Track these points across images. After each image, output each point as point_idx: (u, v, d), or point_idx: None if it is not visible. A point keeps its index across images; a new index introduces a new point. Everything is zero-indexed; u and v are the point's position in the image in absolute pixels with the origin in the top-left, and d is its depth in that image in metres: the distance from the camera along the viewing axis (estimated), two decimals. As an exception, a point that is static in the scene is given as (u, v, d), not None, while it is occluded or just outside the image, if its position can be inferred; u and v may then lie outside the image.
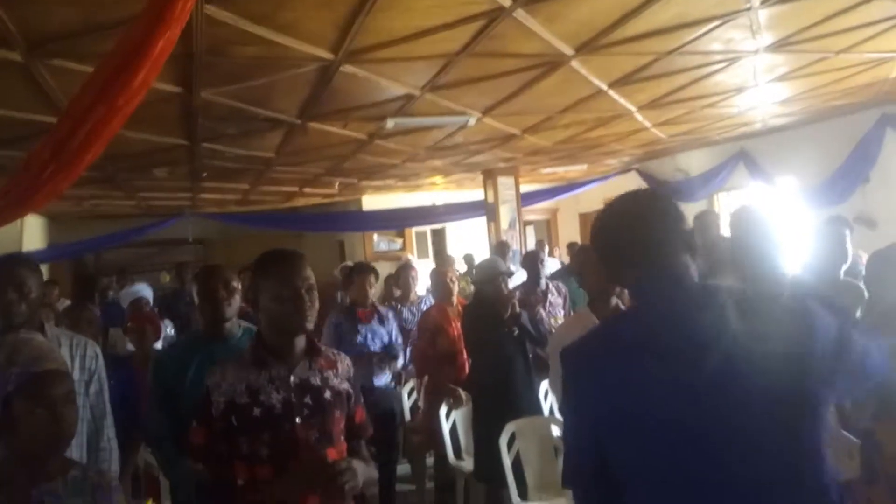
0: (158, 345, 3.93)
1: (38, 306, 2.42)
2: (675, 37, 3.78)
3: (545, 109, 5.36)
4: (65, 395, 1.63)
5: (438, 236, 11.30)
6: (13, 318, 2.29)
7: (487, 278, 3.95)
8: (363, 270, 4.54)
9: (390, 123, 5.08)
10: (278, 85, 3.94)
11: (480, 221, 9.31)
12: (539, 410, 4.09)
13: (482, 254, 7.47)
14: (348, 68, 3.70)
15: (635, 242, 1.34)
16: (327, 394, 1.89)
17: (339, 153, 6.39)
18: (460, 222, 10.46)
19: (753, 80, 5.08)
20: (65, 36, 2.87)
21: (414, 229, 10.99)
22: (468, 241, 10.21)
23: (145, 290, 4.41)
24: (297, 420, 1.81)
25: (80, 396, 2.41)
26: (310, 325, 1.87)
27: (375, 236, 10.85)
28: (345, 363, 2.02)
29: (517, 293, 4.21)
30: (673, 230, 1.33)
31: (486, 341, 3.89)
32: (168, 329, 4.66)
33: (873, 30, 4.01)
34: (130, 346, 4.00)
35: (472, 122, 5.36)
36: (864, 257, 4.49)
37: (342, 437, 1.92)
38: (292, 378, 1.85)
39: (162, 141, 5.07)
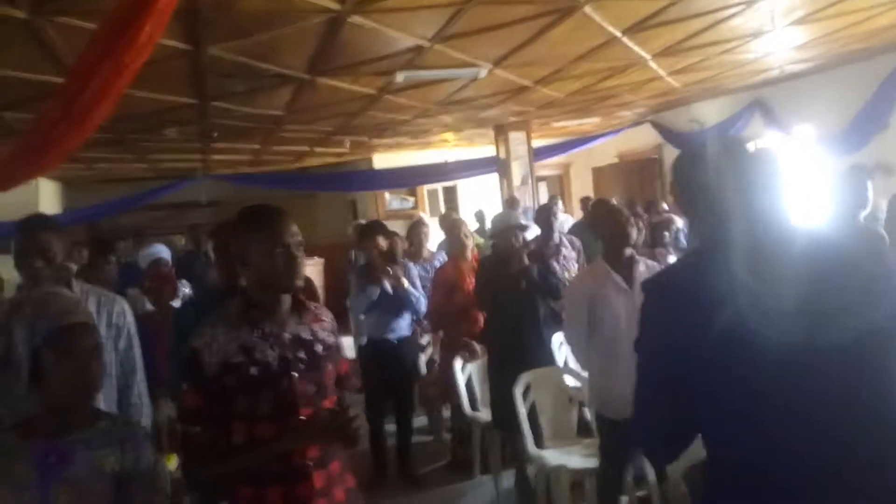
0: (177, 304, 3.97)
1: (64, 266, 2.44)
2: (690, -22, 3.67)
3: (557, 59, 5.26)
4: (92, 348, 1.67)
5: (450, 194, 11.25)
6: (39, 280, 2.32)
7: (499, 231, 3.94)
8: (369, 231, 4.60)
9: (400, 77, 5.01)
10: (285, 39, 3.88)
11: (492, 178, 9.24)
12: (552, 362, 4.12)
13: (495, 210, 7.41)
14: (356, 19, 3.64)
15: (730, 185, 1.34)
16: (318, 347, 1.89)
17: (349, 110, 6.33)
18: (472, 179, 10.40)
19: (771, 24, 4.93)
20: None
21: (426, 187, 10.95)
22: (480, 198, 10.17)
23: (163, 251, 4.43)
24: (295, 375, 1.80)
25: (108, 353, 2.46)
26: (298, 282, 1.85)
27: (387, 195, 10.83)
28: (329, 316, 2.02)
29: (530, 246, 4.20)
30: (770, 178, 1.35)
31: (496, 295, 3.89)
32: (185, 289, 4.70)
33: (897, -33, 3.87)
34: (149, 306, 4.05)
35: (482, 74, 5.27)
36: (884, 204, 4.44)
37: (333, 389, 1.93)
38: (286, 334, 1.84)
39: (170, 100, 5.03)
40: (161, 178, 9.73)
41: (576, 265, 5.38)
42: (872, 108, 6.80)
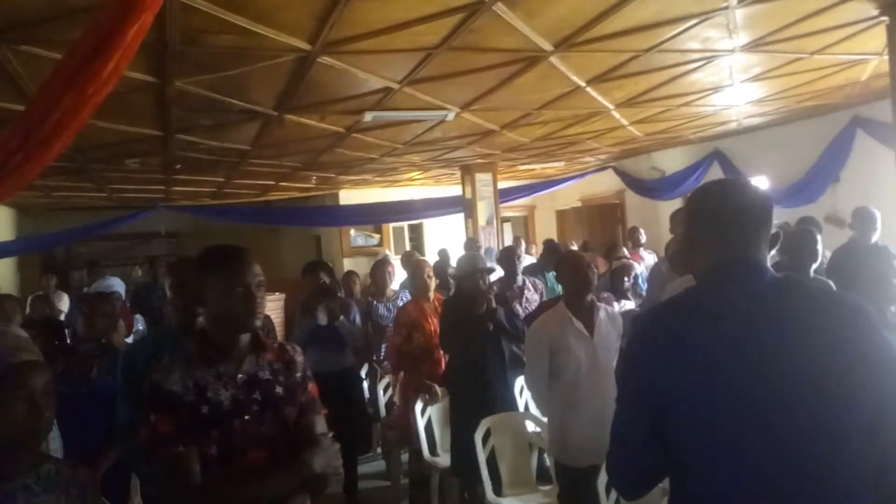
0: (130, 340, 3.86)
1: (9, 297, 2.35)
2: (653, 34, 3.80)
3: (523, 105, 5.36)
4: (43, 386, 1.61)
5: (416, 232, 11.28)
6: None
7: (466, 274, 3.93)
8: (310, 269, 4.87)
9: (368, 117, 5.04)
10: (254, 75, 3.88)
11: (458, 218, 9.30)
12: (514, 406, 4.09)
13: (459, 250, 7.46)
14: (326, 59, 3.66)
15: (729, 228, 1.41)
16: (278, 388, 1.84)
17: (317, 147, 6.33)
18: (438, 218, 10.45)
19: (729, 80, 5.13)
20: (33, 21, 2.79)
21: (391, 225, 10.95)
22: (446, 237, 10.20)
23: (118, 285, 4.33)
24: (247, 417, 1.76)
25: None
26: (258, 322, 1.82)
27: (352, 231, 10.79)
28: (300, 355, 1.98)
29: (494, 289, 4.21)
30: (762, 223, 1.42)
31: (462, 337, 3.87)
32: (139, 325, 4.57)
33: (846, 31, 4.07)
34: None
35: (450, 116, 5.34)
36: (828, 254, 4.59)
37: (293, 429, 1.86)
38: (240, 375, 1.80)
39: (134, 131, 4.97)
40: (120, 207, 9.55)
41: (533, 307, 5.40)
42: (825, 163, 7.07)
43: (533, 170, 9.96)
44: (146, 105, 4.31)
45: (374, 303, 5.50)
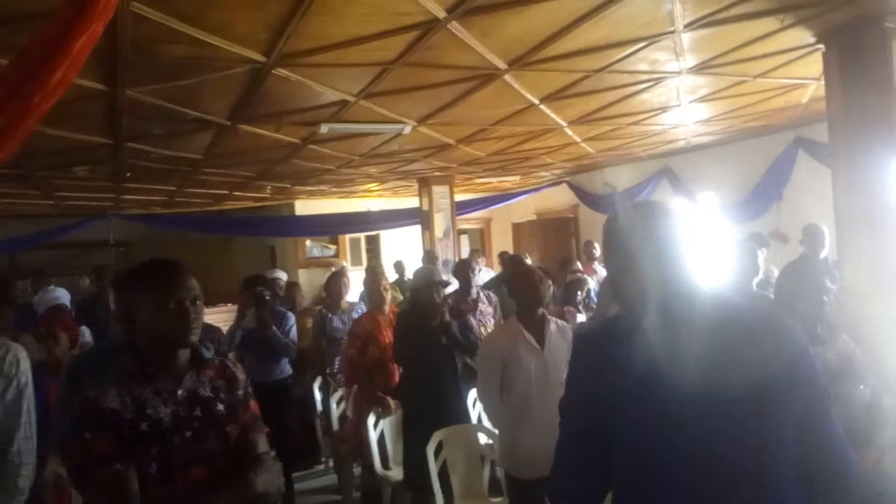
0: (75, 352, 3.76)
1: None
2: (603, 56, 3.91)
3: (479, 121, 5.44)
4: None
5: (373, 243, 11.25)
6: None
7: (422, 286, 3.96)
8: (249, 283, 5.07)
9: (324, 129, 5.04)
10: (208, 85, 3.85)
11: (415, 229, 9.33)
12: (467, 419, 4.12)
13: (416, 262, 7.49)
14: (281, 72, 3.66)
15: (648, 252, 1.45)
16: (219, 406, 1.82)
17: (272, 157, 6.29)
18: (395, 230, 10.46)
19: (677, 100, 5.30)
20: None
21: (348, 236, 10.91)
22: (402, 249, 10.22)
23: (63, 296, 4.21)
24: (187, 434, 1.73)
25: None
26: (194, 337, 1.79)
27: (308, 242, 10.70)
28: (242, 373, 1.96)
29: (448, 301, 4.24)
30: (678, 241, 1.47)
31: (416, 349, 3.89)
32: (86, 336, 4.45)
33: (787, 57, 4.26)
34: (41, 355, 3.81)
35: (406, 130, 5.37)
36: (776, 271, 4.76)
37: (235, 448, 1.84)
38: (180, 391, 1.77)
39: (83, 139, 4.86)
40: (67, 215, 9.28)
41: (492, 320, 5.46)
42: (769, 181, 7.35)
43: (489, 183, 10.06)
44: (96, 113, 4.23)
45: (329, 315, 5.47)
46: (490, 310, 5.56)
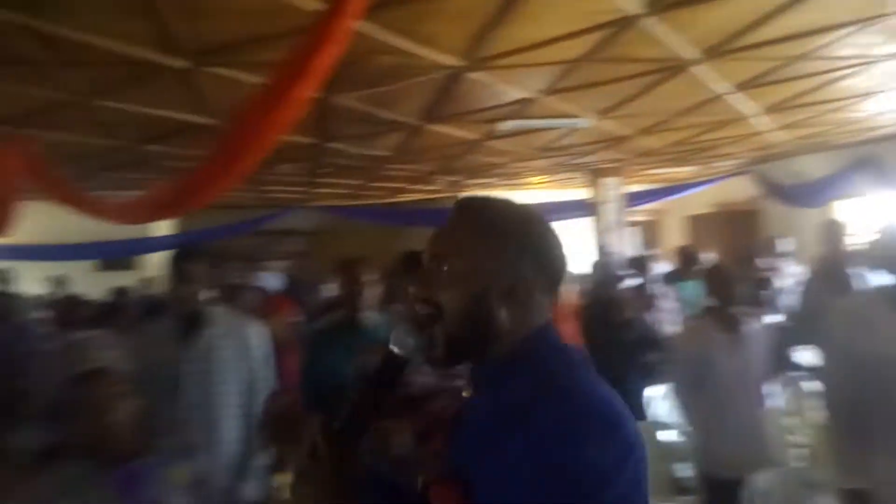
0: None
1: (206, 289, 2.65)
2: (806, 42, 3.70)
3: (661, 112, 5.33)
4: (110, 395, 1.77)
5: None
6: (185, 303, 2.58)
7: (603, 281, 4.01)
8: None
9: (506, 125, 5.20)
10: (405, 90, 4.15)
11: (578, 222, 9.25)
12: (643, 415, 4.10)
13: (578, 256, 7.42)
14: (474, 75, 3.86)
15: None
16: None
17: (452, 153, 6.58)
18: (556, 223, 10.41)
19: (885, 85, 4.85)
20: (229, 46, 3.16)
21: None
22: (565, 243, 10.14)
23: (274, 279, 4.75)
24: (446, 402, 1.92)
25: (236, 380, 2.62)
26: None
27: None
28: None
29: (630, 297, 4.24)
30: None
31: (598, 343, 3.94)
32: (297, 315, 4.99)
33: None
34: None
35: (586, 124, 5.40)
36: None
37: None
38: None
39: (293, 140, 5.42)
40: (265, 206, 10.30)
41: (670, 316, 5.34)
42: None
43: (661, 174, 9.74)
44: (307, 117, 4.70)
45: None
46: (667, 305, 5.45)
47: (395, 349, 1.10)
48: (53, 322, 5.32)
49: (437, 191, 10.40)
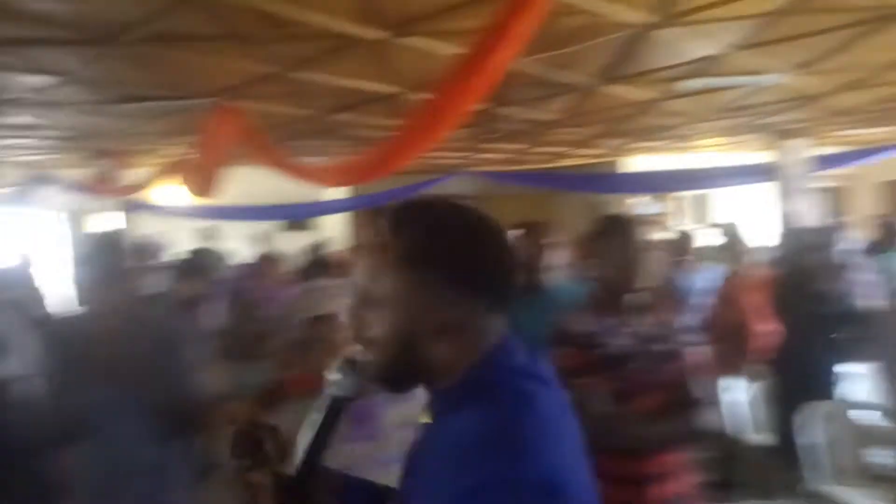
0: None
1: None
2: None
3: (869, 66, 4.81)
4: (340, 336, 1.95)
5: (699, 202, 10.71)
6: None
7: (798, 250, 3.76)
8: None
9: (697, 83, 4.94)
10: (584, 52, 4.07)
11: (752, 188, 8.63)
12: (829, 395, 3.84)
13: (751, 224, 6.86)
14: (661, 32, 3.71)
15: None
16: (666, 346, 2.03)
17: (622, 114, 6.38)
18: (724, 189, 9.76)
19: None
20: (430, 16, 3.28)
21: (672, 194, 10.55)
22: (733, 209, 9.52)
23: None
24: (640, 364, 1.99)
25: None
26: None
27: (632, 199, 10.60)
28: (679, 323, 2.14)
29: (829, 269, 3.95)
30: None
31: (792, 317, 3.73)
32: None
33: None
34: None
35: (777, 80, 5.01)
36: None
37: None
38: (632, 328, 2.03)
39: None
40: (428, 171, 10.61)
41: (869, 290, 4.89)
42: None
43: (855, 135, 8.81)
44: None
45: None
46: (864, 278, 4.99)
47: (336, 392, 1.10)
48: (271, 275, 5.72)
49: (600, 155, 10.13)
